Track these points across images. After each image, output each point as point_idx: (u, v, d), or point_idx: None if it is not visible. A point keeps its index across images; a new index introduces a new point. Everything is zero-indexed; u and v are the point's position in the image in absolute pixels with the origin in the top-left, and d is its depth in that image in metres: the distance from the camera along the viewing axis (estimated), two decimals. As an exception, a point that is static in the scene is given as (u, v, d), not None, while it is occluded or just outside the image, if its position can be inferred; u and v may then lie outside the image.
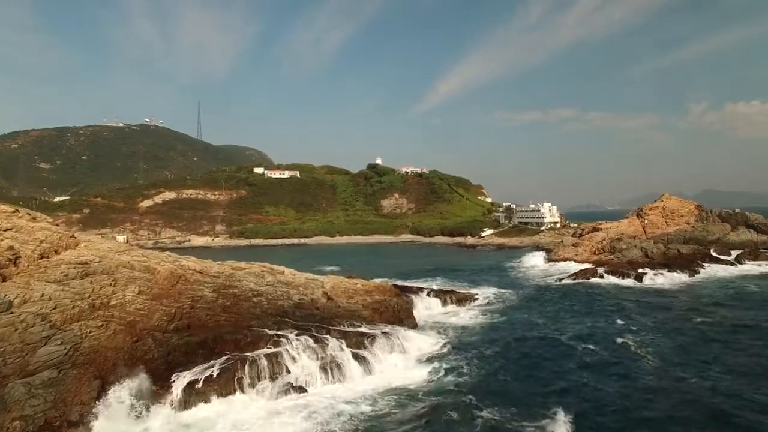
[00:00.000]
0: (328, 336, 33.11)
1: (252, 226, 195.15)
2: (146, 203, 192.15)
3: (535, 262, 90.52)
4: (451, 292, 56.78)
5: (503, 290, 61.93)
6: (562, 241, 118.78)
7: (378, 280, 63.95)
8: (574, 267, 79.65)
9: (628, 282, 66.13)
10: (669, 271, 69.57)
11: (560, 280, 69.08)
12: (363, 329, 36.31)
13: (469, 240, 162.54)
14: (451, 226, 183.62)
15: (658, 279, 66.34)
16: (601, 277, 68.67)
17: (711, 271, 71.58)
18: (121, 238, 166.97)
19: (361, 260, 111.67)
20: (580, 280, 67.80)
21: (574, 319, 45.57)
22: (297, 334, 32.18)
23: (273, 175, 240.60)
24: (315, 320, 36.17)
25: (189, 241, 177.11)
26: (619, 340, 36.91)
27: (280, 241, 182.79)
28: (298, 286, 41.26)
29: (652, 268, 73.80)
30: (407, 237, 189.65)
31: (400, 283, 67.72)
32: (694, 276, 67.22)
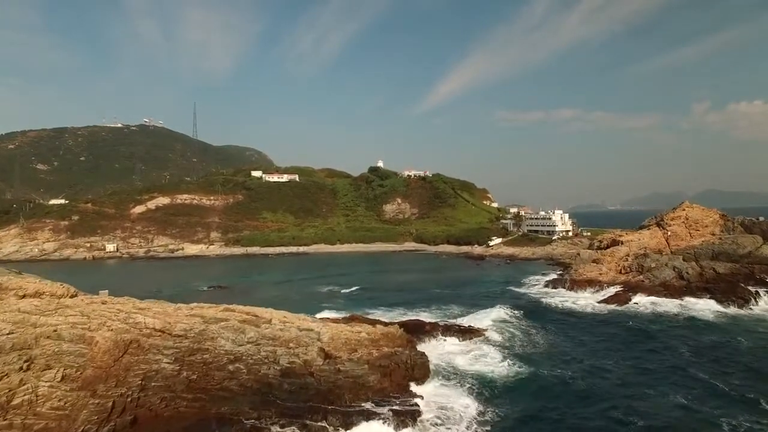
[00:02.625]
0: (324, 424, 25.15)
1: (249, 233, 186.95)
2: (139, 209, 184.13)
3: (554, 283, 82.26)
4: (469, 330, 48.74)
5: (525, 323, 53.92)
6: (578, 254, 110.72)
7: (384, 320, 56.52)
8: (603, 289, 71.74)
9: (668, 308, 58.16)
10: (712, 298, 61.55)
11: (586, 309, 61.07)
12: (368, 406, 28.35)
13: (477, 250, 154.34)
14: (458, 234, 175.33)
15: (703, 309, 58.21)
16: (636, 303, 60.69)
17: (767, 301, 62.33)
18: (111, 247, 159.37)
19: (363, 277, 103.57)
20: (612, 307, 59.84)
21: (627, 381, 37.41)
22: (283, 425, 24.22)
23: (271, 179, 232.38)
24: (309, 395, 28.19)
25: (182, 249, 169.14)
26: None
27: (277, 250, 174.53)
28: (288, 341, 33.23)
29: (691, 293, 65.94)
30: (411, 245, 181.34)
31: (408, 317, 60.35)
32: (745, 308, 58.51)
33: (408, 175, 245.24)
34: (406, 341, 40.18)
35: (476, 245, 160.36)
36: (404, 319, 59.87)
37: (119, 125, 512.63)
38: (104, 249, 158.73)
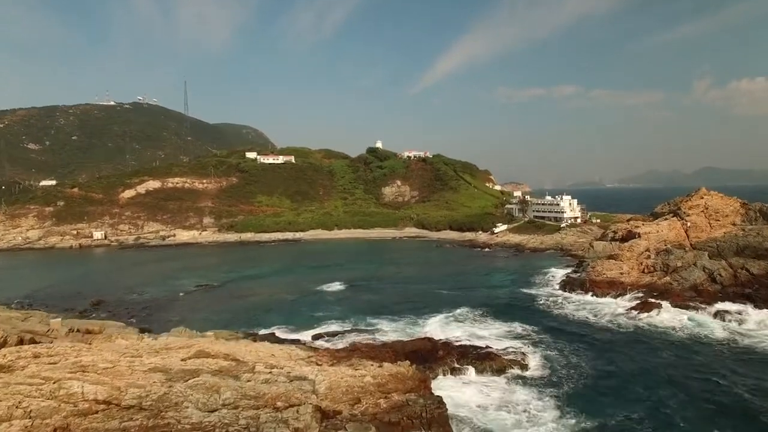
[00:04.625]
0: None
1: (243, 218, 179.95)
2: (128, 193, 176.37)
3: (571, 284, 75.82)
4: (488, 357, 42.28)
5: (550, 342, 47.60)
6: (591, 246, 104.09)
7: (389, 331, 50.28)
8: (627, 294, 65.47)
9: (706, 322, 51.83)
10: (755, 307, 55.28)
11: (615, 321, 54.73)
12: (378, 500, 21.93)
13: (481, 237, 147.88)
14: (460, 220, 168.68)
15: (745, 320, 51.88)
16: (668, 313, 54.30)
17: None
18: (98, 234, 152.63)
19: (363, 273, 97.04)
20: (644, 319, 53.44)
21: None
22: None
23: (266, 161, 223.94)
24: (298, 488, 21.72)
25: (174, 236, 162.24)
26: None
27: (273, 236, 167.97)
28: (276, 399, 26.61)
29: (727, 298, 59.80)
30: (412, 231, 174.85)
31: (415, 329, 54.07)
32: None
33: (408, 157, 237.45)
34: (419, 382, 33.62)
35: (480, 232, 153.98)
36: (411, 331, 54.06)
37: (112, 103, 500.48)
38: (92, 236, 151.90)
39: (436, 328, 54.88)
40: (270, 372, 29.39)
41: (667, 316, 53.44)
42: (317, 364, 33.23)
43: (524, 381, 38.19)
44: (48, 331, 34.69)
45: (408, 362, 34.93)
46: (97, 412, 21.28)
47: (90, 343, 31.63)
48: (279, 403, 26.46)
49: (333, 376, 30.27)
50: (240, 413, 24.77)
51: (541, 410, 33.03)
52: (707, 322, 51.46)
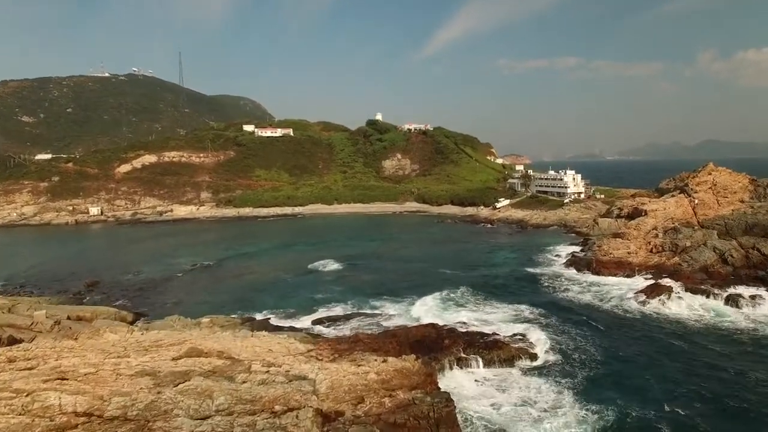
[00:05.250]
0: None
1: (241, 192, 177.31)
2: (124, 168, 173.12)
3: (576, 263, 73.98)
4: (496, 345, 40.61)
5: (559, 327, 45.98)
6: (596, 223, 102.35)
7: (393, 313, 48.52)
8: (633, 275, 63.73)
9: (720, 307, 50.16)
10: (768, 290, 53.55)
11: (624, 305, 53.06)
12: None
13: (483, 212, 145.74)
14: (462, 194, 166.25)
15: (760, 305, 50.17)
16: (680, 298, 52.51)
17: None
18: (95, 210, 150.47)
19: (363, 250, 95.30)
20: (654, 304, 51.65)
21: None
22: None
23: (264, 134, 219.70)
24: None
25: (171, 211, 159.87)
26: None
27: (271, 211, 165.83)
28: (274, 402, 24.85)
29: (740, 281, 58.11)
30: (412, 205, 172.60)
31: (418, 311, 52.50)
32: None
33: (408, 129, 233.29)
34: (425, 377, 31.94)
35: (482, 207, 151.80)
36: (415, 314, 52.55)
37: (106, 75, 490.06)
38: (88, 212, 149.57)
39: (440, 311, 53.34)
40: (267, 371, 27.61)
41: (679, 301, 51.65)
42: (318, 359, 31.48)
43: (534, 372, 36.57)
44: (31, 324, 32.85)
45: (413, 356, 33.20)
46: (76, 426, 19.47)
47: (76, 339, 29.77)
48: (277, 407, 24.71)
49: (334, 375, 28.51)
50: (235, 420, 23.02)
51: (554, 406, 31.41)
52: (722, 308, 49.76)
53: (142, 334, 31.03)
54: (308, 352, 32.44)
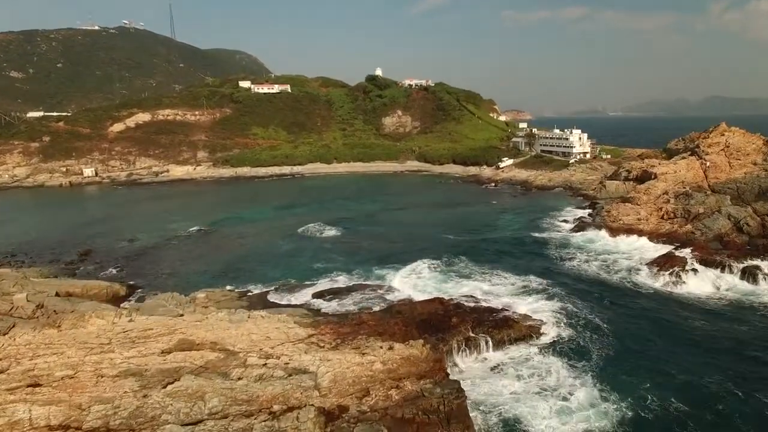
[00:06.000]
0: None
1: (238, 151, 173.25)
2: (117, 127, 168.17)
3: (584, 227, 71.76)
4: (506, 323, 38.76)
5: (569, 303, 44.12)
6: (603, 185, 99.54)
7: (396, 287, 46.73)
8: (644, 244, 61.56)
9: (738, 282, 48.21)
10: (789, 263, 51.38)
11: (637, 277, 51.12)
12: None
13: (486, 172, 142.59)
14: (464, 153, 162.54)
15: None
16: (695, 271, 50.40)
17: None
18: (89, 171, 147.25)
19: (364, 213, 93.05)
20: (666, 275, 49.63)
21: None
22: None
23: (261, 90, 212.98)
24: None
25: (167, 171, 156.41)
26: None
27: (270, 170, 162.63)
28: (272, 401, 22.99)
29: (757, 252, 55.77)
30: (413, 164, 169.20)
31: (423, 279, 50.61)
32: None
33: (409, 85, 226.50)
34: (433, 363, 30.13)
35: (485, 166, 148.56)
36: (420, 284, 50.76)
37: (96, 28, 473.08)
38: (82, 174, 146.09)
39: (445, 281, 51.63)
40: (265, 364, 25.69)
41: (693, 275, 49.46)
42: (319, 346, 29.55)
43: (547, 353, 34.83)
44: (11, 309, 30.73)
45: (420, 341, 31.30)
46: (51, 443, 17.49)
47: (59, 327, 27.69)
48: (276, 407, 22.88)
49: (337, 366, 26.59)
50: (230, 425, 21.17)
51: (571, 393, 29.72)
52: (738, 283, 47.81)
53: (130, 320, 28.98)
54: (309, 338, 30.51)
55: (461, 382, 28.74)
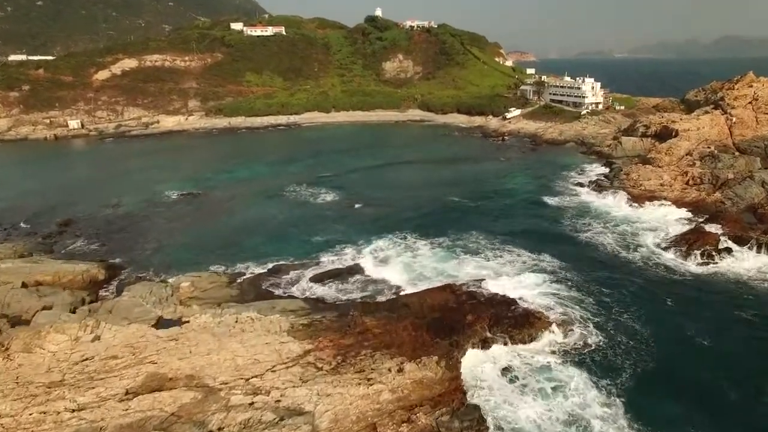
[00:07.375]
0: None
1: (231, 100, 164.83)
2: (102, 75, 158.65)
3: (601, 191, 66.73)
4: (527, 320, 34.52)
5: (592, 291, 40.01)
6: (619, 142, 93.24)
7: (398, 268, 42.17)
8: (669, 214, 56.73)
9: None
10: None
11: (662, 257, 46.67)
12: None
13: (492, 123, 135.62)
14: (469, 102, 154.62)
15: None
16: (729, 251, 45.87)
17: None
18: (74, 123, 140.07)
19: (362, 171, 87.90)
20: (695, 256, 45.16)
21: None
22: None
23: (254, 33, 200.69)
24: None
25: (158, 122, 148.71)
26: None
27: (265, 120, 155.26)
28: (257, 460, 18.91)
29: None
30: (416, 113, 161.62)
31: (427, 257, 46.14)
32: None
33: (411, 27, 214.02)
34: (448, 383, 26.13)
35: (491, 116, 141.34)
36: (425, 262, 46.70)
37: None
38: (67, 126, 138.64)
39: (453, 259, 47.72)
40: (251, 403, 21.47)
41: (727, 255, 45.06)
42: (317, 368, 25.33)
43: (572, 362, 30.79)
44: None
45: (435, 359, 27.20)
46: None
47: (6, 351, 23.36)
48: (263, 467, 18.72)
49: (338, 403, 22.43)
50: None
51: (604, 418, 25.86)
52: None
53: (94, 337, 24.70)
54: (305, 356, 26.26)
55: (479, 402, 24.94)
